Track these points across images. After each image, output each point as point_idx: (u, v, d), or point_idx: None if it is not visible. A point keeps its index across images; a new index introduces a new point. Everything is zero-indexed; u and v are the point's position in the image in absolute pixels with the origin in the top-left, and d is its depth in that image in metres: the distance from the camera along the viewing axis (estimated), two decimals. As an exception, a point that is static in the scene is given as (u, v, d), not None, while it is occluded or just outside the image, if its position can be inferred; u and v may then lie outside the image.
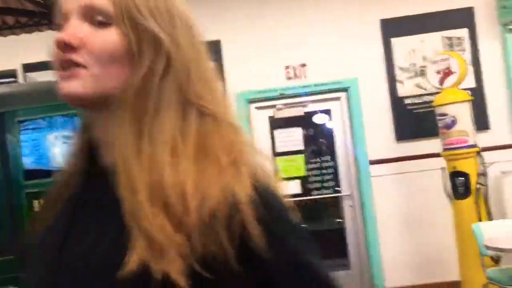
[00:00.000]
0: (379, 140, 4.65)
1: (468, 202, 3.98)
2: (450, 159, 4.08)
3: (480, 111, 4.20)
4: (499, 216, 4.45)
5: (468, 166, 4.01)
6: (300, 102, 4.77)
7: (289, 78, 4.71)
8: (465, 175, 4.00)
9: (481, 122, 4.33)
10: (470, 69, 4.56)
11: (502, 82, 4.63)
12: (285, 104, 4.78)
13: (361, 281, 4.65)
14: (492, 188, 4.23)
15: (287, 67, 4.69)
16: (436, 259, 4.56)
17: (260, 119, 4.77)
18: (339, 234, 4.75)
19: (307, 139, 4.82)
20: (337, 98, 4.78)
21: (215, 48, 4.39)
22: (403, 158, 4.62)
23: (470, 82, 4.55)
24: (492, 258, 3.63)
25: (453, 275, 4.21)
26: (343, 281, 4.44)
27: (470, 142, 4.00)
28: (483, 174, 3.99)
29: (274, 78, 4.67)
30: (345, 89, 4.72)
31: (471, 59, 4.58)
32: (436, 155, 4.39)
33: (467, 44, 4.62)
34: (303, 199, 4.73)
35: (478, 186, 3.95)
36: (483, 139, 4.17)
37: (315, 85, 4.68)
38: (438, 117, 4.11)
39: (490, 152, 4.41)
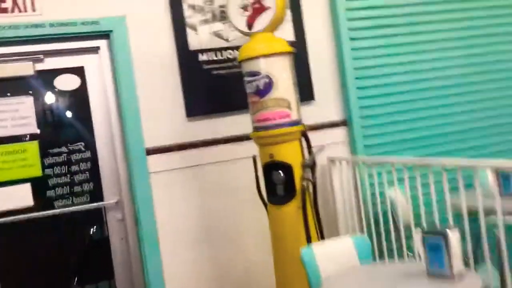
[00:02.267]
0: (162, 118, 3.01)
1: (291, 208, 2.60)
2: (264, 143, 2.64)
3: (300, 75, 2.83)
4: (329, 224, 3.21)
5: (291, 153, 2.62)
6: (29, 54, 2.86)
7: (3, 11, 2.75)
8: (286, 167, 2.60)
9: (303, 91, 2.99)
10: (289, 14, 3.20)
11: (328, 37, 3.36)
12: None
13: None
14: (319, 184, 2.95)
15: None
16: (246, 284, 3.14)
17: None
18: (102, 258, 3.02)
19: (44, 116, 2.94)
20: (94, 49, 2.99)
21: None
22: (198, 144, 3.06)
23: (288, 33, 3.19)
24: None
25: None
26: None
27: (294, 117, 2.61)
28: (310, 166, 2.63)
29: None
30: (105, 34, 2.95)
31: (289, 3, 3.21)
32: (246, 137, 2.95)
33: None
34: (38, 216, 2.86)
35: (304, 183, 2.58)
36: (305, 114, 2.82)
37: (53, 25, 2.81)
38: (246, 79, 2.62)
39: (316, 132, 3.13)
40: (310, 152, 2.72)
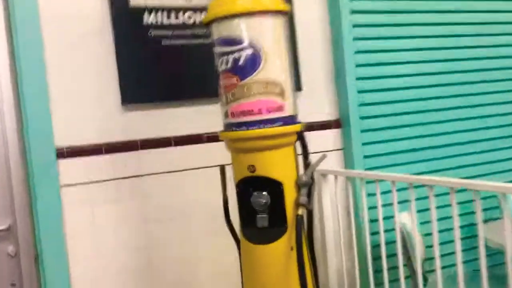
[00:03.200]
0: (83, 105, 2.03)
1: (279, 249, 1.72)
2: (242, 148, 1.73)
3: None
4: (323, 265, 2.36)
5: (282, 165, 1.75)
6: None
7: None
8: (274, 186, 1.72)
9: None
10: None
11: (322, 7, 2.51)
12: None
13: None
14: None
15: None
16: None
17: None
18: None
19: None
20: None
21: None
22: (137, 144, 2.11)
23: (270, -3, 2.28)
24: None
25: None
26: None
27: (289, 111, 1.73)
28: (309, 185, 1.76)
29: None
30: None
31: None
32: (210, 138, 2.06)
33: None
34: None
35: (300, 211, 1.70)
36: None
37: None
38: (218, 49, 1.71)
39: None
40: (306, 164, 1.84)
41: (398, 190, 1.93)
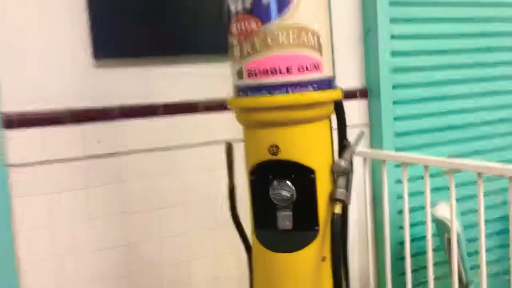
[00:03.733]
0: (40, 57, 1.51)
1: (307, 258, 1.26)
2: (261, 121, 1.24)
3: None
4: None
5: (315, 145, 1.27)
6: None
7: None
8: (303, 173, 1.25)
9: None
10: None
11: None
12: None
13: None
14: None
15: None
16: None
17: None
18: None
19: None
20: None
21: None
22: (114, 112, 1.60)
23: None
24: None
25: None
26: None
27: (326, 72, 1.25)
28: (348, 172, 1.30)
29: None
30: None
31: None
32: (213, 107, 1.57)
33: None
34: None
35: (337, 209, 1.24)
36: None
37: None
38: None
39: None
40: (343, 144, 1.38)
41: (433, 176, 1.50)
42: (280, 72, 1.19)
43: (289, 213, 1.27)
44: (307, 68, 1.20)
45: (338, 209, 1.26)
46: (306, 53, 1.20)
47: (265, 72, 1.20)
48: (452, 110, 2.11)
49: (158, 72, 1.64)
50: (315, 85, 1.22)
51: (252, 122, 1.27)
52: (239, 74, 1.25)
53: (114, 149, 1.58)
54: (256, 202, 1.33)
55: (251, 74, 1.22)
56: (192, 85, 1.68)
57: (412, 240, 1.79)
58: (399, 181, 1.82)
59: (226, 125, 1.40)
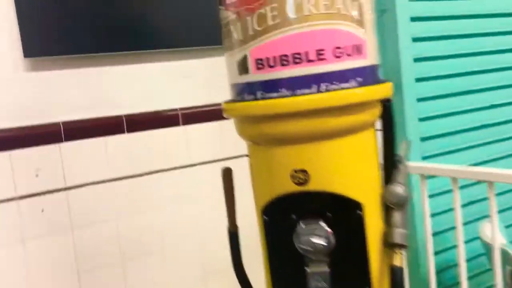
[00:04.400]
0: None
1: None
2: (279, 136, 0.81)
3: None
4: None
5: (360, 166, 0.85)
6: None
7: None
8: (346, 209, 0.83)
9: None
10: None
11: None
12: None
13: None
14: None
15: None
16: None
17: None
18: None
19: None
20: None
21: None
22: (58, 129, 1.13)
23: None
24: None
25: None
26: None
27: (370, 58, 0.83)
28: (403, 202, 0.88)
29: None
30: None
31: None
32: (192, 116, 1.13)
33: None
34: None
35: (398, 261, 0.82)
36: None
37: None
38: None
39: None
40: (393, 160, 0.96)
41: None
42: (308, 59, 0.77)
43: (325, 269, 0.85)
44: (347, 52, 0.78)
45: (398, 260, 0.85)
46: (345, 27, 0.78)
47: (284, 60, 0.77)
48: (483, 107, 1.74)
49: (117, 71, 1.19)
50: (358, 78, 0.80)
51: (265, 137, 0.84)
52: (242, 67, 0.82)
53: (57, 183, 1.12)
54: (272, 254, 0.91)
55: (261, 64, 0.79)
56: (166, 87, 1.23)
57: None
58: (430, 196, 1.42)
59: (220, 142, 0.97)
